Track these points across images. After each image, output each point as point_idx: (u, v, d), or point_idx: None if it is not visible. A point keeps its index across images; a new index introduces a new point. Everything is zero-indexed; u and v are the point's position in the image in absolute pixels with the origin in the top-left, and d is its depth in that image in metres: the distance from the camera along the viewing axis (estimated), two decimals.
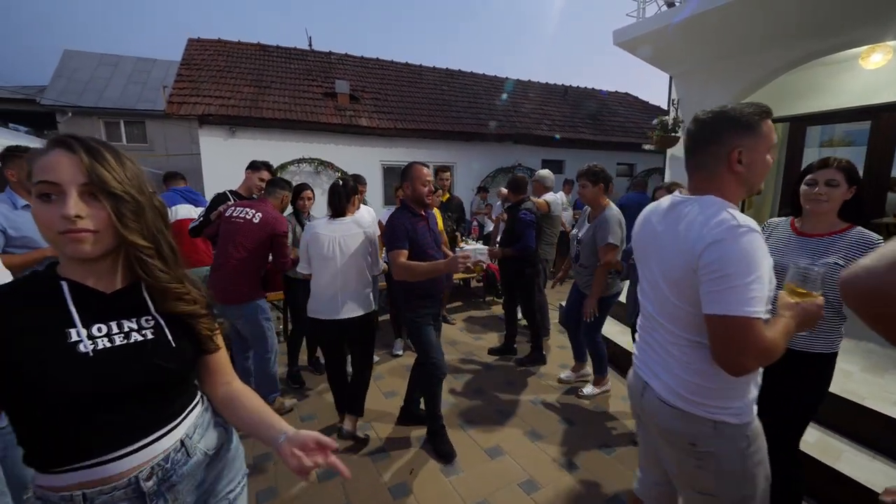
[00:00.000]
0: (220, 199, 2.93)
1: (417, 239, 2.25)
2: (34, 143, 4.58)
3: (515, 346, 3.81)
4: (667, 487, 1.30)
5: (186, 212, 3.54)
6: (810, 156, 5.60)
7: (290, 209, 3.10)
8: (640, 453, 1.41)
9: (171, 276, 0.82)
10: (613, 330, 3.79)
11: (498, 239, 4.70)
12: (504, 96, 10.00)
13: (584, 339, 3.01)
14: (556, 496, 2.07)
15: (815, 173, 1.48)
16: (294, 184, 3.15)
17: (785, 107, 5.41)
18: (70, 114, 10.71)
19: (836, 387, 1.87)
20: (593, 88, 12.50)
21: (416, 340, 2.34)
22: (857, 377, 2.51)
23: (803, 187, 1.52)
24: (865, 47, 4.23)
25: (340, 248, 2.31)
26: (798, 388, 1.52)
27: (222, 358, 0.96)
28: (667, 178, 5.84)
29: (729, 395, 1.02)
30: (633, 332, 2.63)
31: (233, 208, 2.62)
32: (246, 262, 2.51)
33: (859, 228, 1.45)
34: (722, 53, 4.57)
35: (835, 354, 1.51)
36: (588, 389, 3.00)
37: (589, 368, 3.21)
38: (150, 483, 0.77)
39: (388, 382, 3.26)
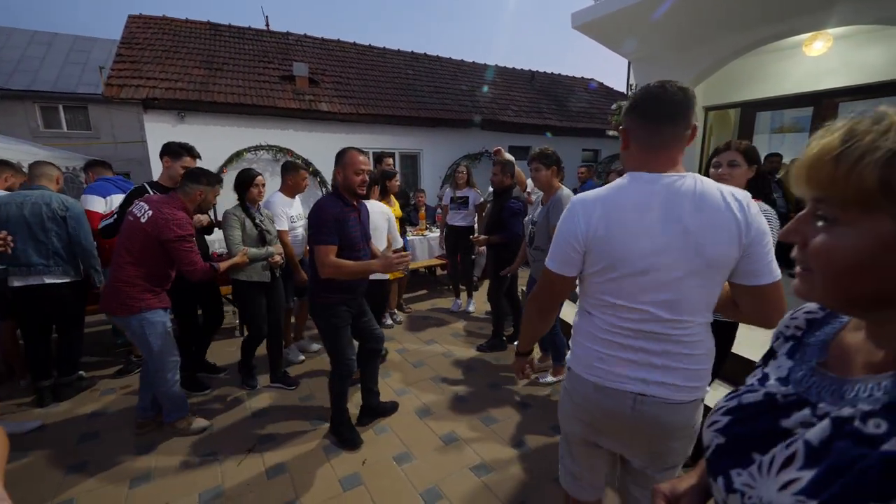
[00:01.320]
0: (139, 193, 2.67)
1: (347, 232, 2.09)
2: None
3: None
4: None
5: None
6: (760, 141, 5.83)
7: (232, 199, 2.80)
8: (584, 473, 1.28)
9: None
10: (573, 312, 3.86)
11: (444, 230, 4.62)
12: (485, 88, 9.85)
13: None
14: (505, 478, 2.10)
15: (718, 156, 1.61)
16: (248, 171, 2.80)
17: (737, 92, 5.60)
18: None
19: (736, 348, 1.99)
20: (560, 74, 12.56)
21: (332, 340, 2.24)
22: (758, 338, 2.68)
23: (711, 170, 1.65)
24: (808, 35, 4.39)
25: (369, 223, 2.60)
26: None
27: None
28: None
29: (711, 361, 1.09)
30: None
31: (135, 204, 2.28)
32: (130, 269, 2.17)
33: (759, 203, 1.55)
34: (676, 39, 4.64)
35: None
36: (547, 378, 3.02)
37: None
38: None
39: None
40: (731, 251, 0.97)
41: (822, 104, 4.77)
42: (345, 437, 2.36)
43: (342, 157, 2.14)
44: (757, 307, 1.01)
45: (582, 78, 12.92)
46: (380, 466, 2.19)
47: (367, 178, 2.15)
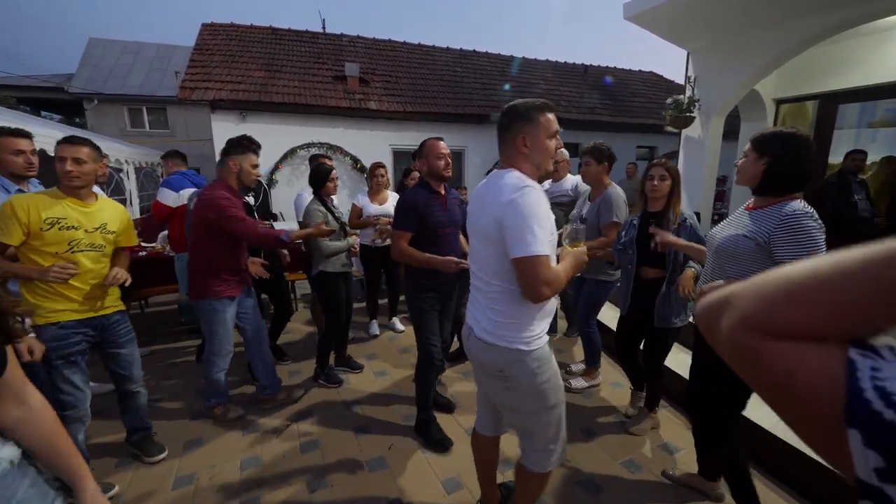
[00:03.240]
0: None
1: (431, 217, 2.17)
2: (66, 131, 4.75)
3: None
4: (494, 417, 1.64)
5: None
6: (845, 137, 5.18)
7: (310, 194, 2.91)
8: (477, 395, 1.71)
9: None
10: (610, 315, 3.70)
11: None
12: (507, 86, 9.63)
13: (578, 324, 2.94)
14: None
15: None
16: (322, 166, 2.88)
17: (814, 83, 5.05)
18: (96, 101, 11.12)
19: None
20: (615, 67, 12.00)
21: (417, 324, 2.30)
22: None
23: None
24: None
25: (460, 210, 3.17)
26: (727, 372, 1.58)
27: (12, 378, 0.81)
28: (681, 161, 5.61)
29: (520, 328, 1.34)
30: (620, 324, 2.53)
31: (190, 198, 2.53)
32: (194, 258, 2.33)
33: (792, 203, 1.39)
34: (743, 25, 4.26)
35: None
36: (577, 382, 2.89)
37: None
38: None
39: (381, 363, 3.31)
40: (493, 225, 1.26)
41: None
42: (432, 439, 2.31)
43: (422, 148, 2.25)
44: (518, 278, 1.26)
45: (640, 71, 12.27)
46: (405, 452, 2.26)
47: (449, 160, 2.21)
